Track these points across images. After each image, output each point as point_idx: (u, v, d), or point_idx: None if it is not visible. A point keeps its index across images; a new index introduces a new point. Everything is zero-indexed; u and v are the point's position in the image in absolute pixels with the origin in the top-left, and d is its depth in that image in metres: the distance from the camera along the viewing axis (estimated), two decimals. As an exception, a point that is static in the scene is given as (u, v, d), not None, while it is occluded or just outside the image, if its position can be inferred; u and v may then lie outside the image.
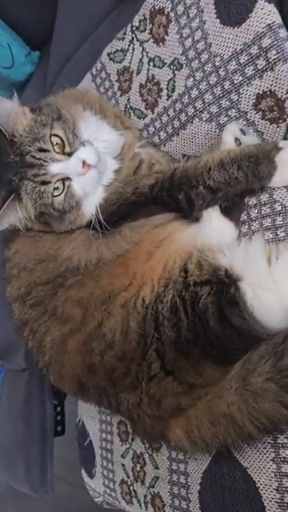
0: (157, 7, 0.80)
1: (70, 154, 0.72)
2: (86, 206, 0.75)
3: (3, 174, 0.74)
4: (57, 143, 0.72)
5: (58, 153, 0.72)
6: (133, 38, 0.85)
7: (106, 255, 0.74)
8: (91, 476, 1.06)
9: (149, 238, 0.75)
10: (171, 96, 0.80)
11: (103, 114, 0.81)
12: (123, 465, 0.95)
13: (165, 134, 0.84)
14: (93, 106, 0.80)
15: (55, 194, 0.73)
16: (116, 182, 0.78)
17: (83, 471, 1.10)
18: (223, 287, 0.65)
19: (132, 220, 0.77)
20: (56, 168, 0.71)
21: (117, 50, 0.89)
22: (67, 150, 0.72)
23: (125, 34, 0.86)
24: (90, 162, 0.71)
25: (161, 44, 0.80)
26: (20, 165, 0.72)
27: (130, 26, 0.85)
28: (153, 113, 0.84)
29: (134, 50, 0.86)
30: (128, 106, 0.89)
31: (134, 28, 0.84)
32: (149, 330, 0.69)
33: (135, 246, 0.75)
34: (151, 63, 0.82)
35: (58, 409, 1.33)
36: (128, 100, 0.89)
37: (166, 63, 0.80)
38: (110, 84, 0.92)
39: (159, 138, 0.85)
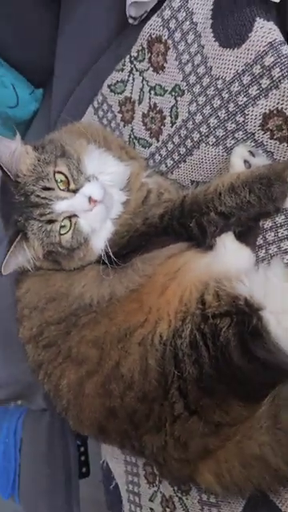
0: (154, 36, 0.79)
1: (75, 191, 0.70)
2: (94, 241, 0.73)
3: (9, 215, 0.72)
4: (61, 180, 0.70)
5: (63, 190, 0.70)
6: (132, 69, 0.85)
7: (118, 291, 0.72)
8: (119, 522, 1.00)
9: (162, 270, 0.72)
10: (175, 123, 0.79)
11: (107, 146, 0.80)
12: (152, 509, 0.89)
13: (172, 162, 0.82)
14: (97, 138, 0.79)
15: (62, 232, 0.71)
16: (125, 214, 0.76)
17: (111, 516, 1.04)
18: (244, 318, 0.61)
19: (144, 252, 0.74)
20: (61, 206, 0.69)
21: (117, 82, 0.88)
22: (72, 186, 0.70)
23: (124, 65, 0.86)
24: (96, 197, 0.69)
25: (160, 72, 0.79)
26: (25, 205, 0.70)
27: (128, 56, 0.85)
28: (158, 141, 0.83)
29: (134, 80, 0.85)
30: (132, 135, 0.88)
31: (133, 58, 0.84)
32: (169, 368, 0.66)
33: (149, 279, 0.72)
34: (152, 92, 0.81)
35: (82, 449, 1.28)
36: (132, 130, 0.87)
37: (167, 90, 0.79)
38: (113, 115, 0.91)
39: (166, 166, 0.83)
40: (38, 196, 0.69)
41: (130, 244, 0.75)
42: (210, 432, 0.65)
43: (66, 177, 0.70)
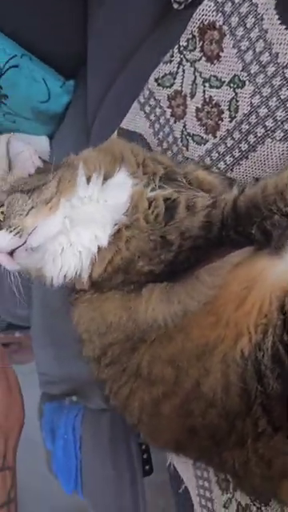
0: (206, 22, 0.72)
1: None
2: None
3: None
4: (2, 212, 0.72)
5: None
6: (181, 60, 0.78)
7: (190, 306, 0.67)
8: (192, 525, 0.99)
9: (235, 280, 0.67)
10: (235, 117, 0.72)
11: (124, 165, 0.75)
12: (227, 516, 0.88)
13: (231, 159, 0.76)
14: (98, 166, 0.75)
15: None
16: (130, 233, 0.70)
17: (182, 518, 1.04)
18: None
19: (206, 264, 0.69)
20: None
21: (165, 74, 0.81)
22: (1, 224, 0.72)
23: (172, 56, 0.79)
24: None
25: (215, 62, 0.72)
26: None
27: (176, 46, 0.78)
28: (215, 137, 0.77)
29: (184, 71, 0.78)
30: (185, 132, 0.81)
31: (182, 48, 0.77)
32: (252, 384, 0.62)
33: (221, 290, 0.67)
34: (206, 84, 0.75)
35: (143, 447, 1.27)
36: (184, 126, 0.81)
37: (224, 82, 0.72)
38: (162, 111, 0.85)
39: (225, 164, 0.77)
40: None
41: (179, 259, 0.68)
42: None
43: (4, 214, 0.72)
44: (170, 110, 0.83)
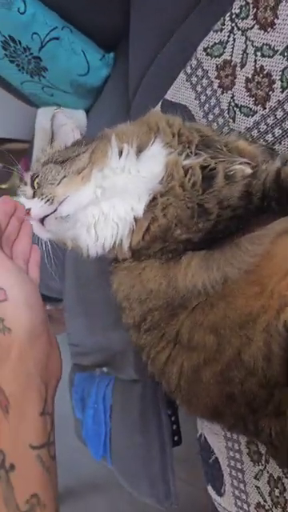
0: (261, -12, 0.70)
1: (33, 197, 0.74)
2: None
3: None
4: (37, 183, 0.75)
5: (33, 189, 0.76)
6: (233, 28, 0.76)
7: (230, 273, 0.68)
8: (220, 494, 1.02)
9: (281, 252, 0.66)
10: (287, 88, 0.71)
11: (152, 139, 0.74)
12: (258, 487, 0.89)
13: (280, 131, 0.74)
14: (131, 138, 0.74)
15: None
16: (165, 202, 0.70)
17: (210, 487, 1.06)
18: None
19: (247, 232, 0.69)
20: (20, 199, 0.75)
21: (215, 44, 0.80)
22: (35, 192, 0.75)
23: (223, 24, 0.78)
24: (32, 213, 0.71)
25: (269, 29, 0.70)
26: None
27: (228, 14, 0.76)
28: (264, 108, 0.75)
29: (235, 40, 0.77)
30: (232, 103, 0.80)
31: (234, 16, 0.75)
32: None
33: (265, 260, 0.67)
34: (258, 53, 0.73)
35: (173, 418, 1.30)
36: (232, 97, 0.80)
37: (277, 51, 0.70)
38: (209, 82, 0.84)
39: (273, 136, 0.76)
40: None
41: (219, 229, 0.68)
42: None
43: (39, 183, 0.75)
44: (218, 81, 0.82)
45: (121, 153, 0.73)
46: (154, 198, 0.70)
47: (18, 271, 0.56)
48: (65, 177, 0.72)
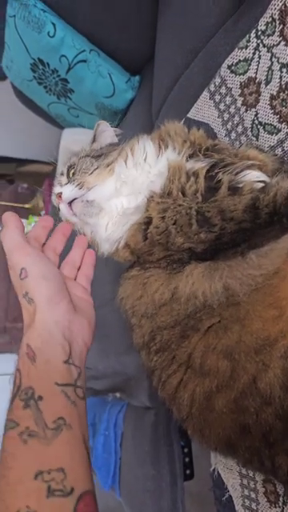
0: (288, 4, 0.69)
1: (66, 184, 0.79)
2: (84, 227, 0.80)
3: None
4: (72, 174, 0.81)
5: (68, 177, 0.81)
6: (258, 45, 0.75)
7: (232, 285, 0.64)
8: (234, 535, 0.94)
9: None
10: (313, 104, 0.68)
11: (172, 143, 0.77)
12: (275, 531, 0.82)
13: (306, 149, 0.72)
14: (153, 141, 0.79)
15: None
16: (163, 203, 0.70)
17: (223, 528, 0.99)
18: None
19: (255, 246, 0.66)
20: (56, 188, 0.81)
21: (239, 61, 0.79)
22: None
23: (248, 41, 0.76)
24: (62, 196, 0.77)
25: (296, 46, 0.69)
26: None
27: (254, 31, 0.75)
28: (289, 126, 0.73)
29: (260, 57, 0.75)
30: (256, 121, 0.78)
31: (260, 32, 0.74)
32: None
33: (280, 280, 0.63)
34: (284, 69, 0.71)
35: (186, 450, 1.24)
36: (256, 115, 0.78)
37: (303, 67, 0.68)
38: (232, 100, 0.82)
39: (299, 154, 0.73)
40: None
41: (224, 241, 0.65)
42: None
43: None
44: (242, 99, 0.80)
45: (143, 152, 0.77)
46: (152, 199, 0.71)
47: (37, 254, 0.65)
48: (97, 168, 0.78)
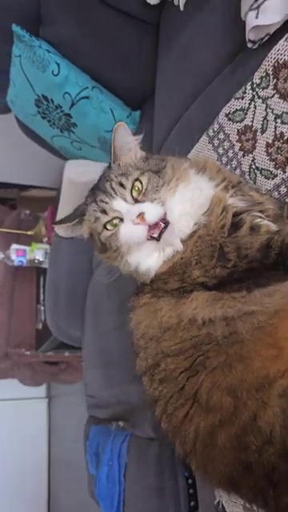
0: (281, 61, 0.73)
1: (138, 202, 0.74)
2: (126, 255, 0.76)
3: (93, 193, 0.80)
4: (138, 189, 0.74)
5: (132, 196, 0.74)
6: (253, 96, 0.80)
7: (230, 313, 0.67)
8: None
9: None
10: (307, 153, 0.72)
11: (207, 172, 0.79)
12: None
13: (301, 194, 0.75)
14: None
15: (108, 227, 0.76)
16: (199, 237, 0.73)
17: None
18: None
19: (260, 286, 0.69)
20: (118, 204, 0.74)
21: (236, 110, 0.83)
22: (139, 197, 0.74)
23: (244, 92, 0.81)
24: (146, 217, 0.71)
25: (289, 99, 0.73)
26: (98, 187, 0.78)
27: (249, 83, 0.80)
28: (284, 172, 0.77)
29: (255, 107, 0.80)
30: (253, 166, 0.82)
31: (255, 85, 0.79)
32: None
33: (279, 320, 0.66)
34: (278, 120, 0.75)
35: (190, 481, 1.24)
36: (253, 160, 0.82)
37: (297, 119, 0.72)
38: (230, 145, 0.86)
39: (295, 199, 0.77)
40: (111, 185, 0.74)
41: (233, 278, 0.70)
42: None
43: (142, 188, 0.74)
44: (239, 144, 0.84)
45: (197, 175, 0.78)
46: (197, 230, 0.73)
47: None
48: (164, 184, 0.75)
